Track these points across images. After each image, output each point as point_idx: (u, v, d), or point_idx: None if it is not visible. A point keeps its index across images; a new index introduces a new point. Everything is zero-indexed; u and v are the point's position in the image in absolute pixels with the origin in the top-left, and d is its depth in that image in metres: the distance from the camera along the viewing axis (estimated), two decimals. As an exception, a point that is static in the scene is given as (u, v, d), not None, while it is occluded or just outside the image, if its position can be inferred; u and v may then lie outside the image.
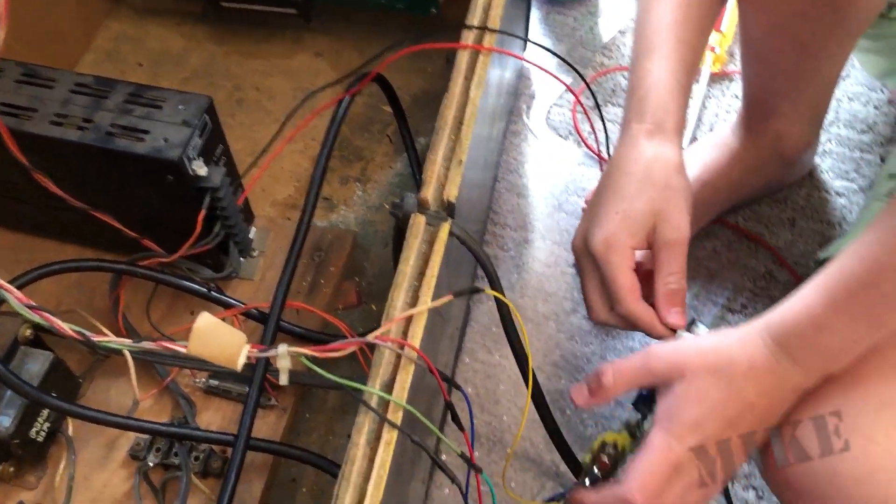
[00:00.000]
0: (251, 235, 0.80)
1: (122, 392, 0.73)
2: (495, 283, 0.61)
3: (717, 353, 0.56)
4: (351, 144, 0.91)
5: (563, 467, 0.72)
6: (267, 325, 0.68)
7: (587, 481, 0.61)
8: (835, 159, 0.93)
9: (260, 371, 0.66)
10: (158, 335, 0.74)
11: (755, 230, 0.88)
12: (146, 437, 0.70)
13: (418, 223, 0.58)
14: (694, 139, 0.95)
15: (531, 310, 0.85)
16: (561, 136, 0.97)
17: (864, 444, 0.52)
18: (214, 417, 0.72)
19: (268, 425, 0.72)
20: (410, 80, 0.96)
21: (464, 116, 0.63)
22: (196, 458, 0.69)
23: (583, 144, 0.96)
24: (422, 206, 0.59)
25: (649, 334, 0.63)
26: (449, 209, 0.60)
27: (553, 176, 0.94)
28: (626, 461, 0.60)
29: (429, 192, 0.59)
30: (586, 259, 0.63)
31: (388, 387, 0.52)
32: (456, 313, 0.80)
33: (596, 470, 0.61)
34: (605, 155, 0.94)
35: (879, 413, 0.52)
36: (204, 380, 0.73)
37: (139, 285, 0.76)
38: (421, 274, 0.57)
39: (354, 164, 0.90)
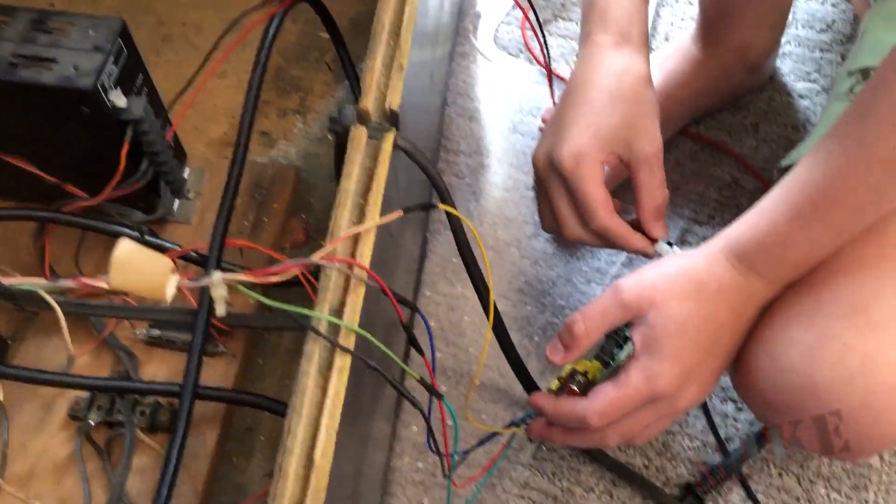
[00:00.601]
0: (185, 176, 0.75)
1: (56, 351, 0.67)
2: (447, 199, 0.56)
3: (685, 277, 0.53)
4: (287, 75, 0.85)
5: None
6: (207, 268, 0.63)
7: None
8: (795, 61, 0.89)
9: (203, 313, 0.61)
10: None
11: (718, 138, 0.85)
12: (85, 395, 0.64)
13: (359, 136, 0.53)
14: (649, 49, 0.90)
15: (492, 237, 0.81)
16: (511, 54, 0.92)
17: (839, 349, 0.49)
18: (159, 370, 0.67)
19: (217, 373, 0.67)
20: (346, 3, 0.90)
21: (402, 19, 0.58)
22: (142, 414, 0.64)
23: (535, 62, 0.91)
24: (362, 118, 0.54)
25: (625, 248, 0.60)
26: (392, 119, 0.55)
27: (505, 97, 0.89)
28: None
29: (369, 102, 0.54)
30: (553, 176, 0.60)
31: (338, 311, 0.48)
32: (411, 244, 0.76)
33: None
34: (559, 72, 0.89)
35: (852, 317, 0.50)
36: (144, 331, 0.68)
37: (67, 236, 0.70)
38: (366, 191, 0.52)
39: (292, 95, 0.84)
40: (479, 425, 0.63)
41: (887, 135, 0.46)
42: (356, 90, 0.83)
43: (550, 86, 0.78)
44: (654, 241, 0.60)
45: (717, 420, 0.71)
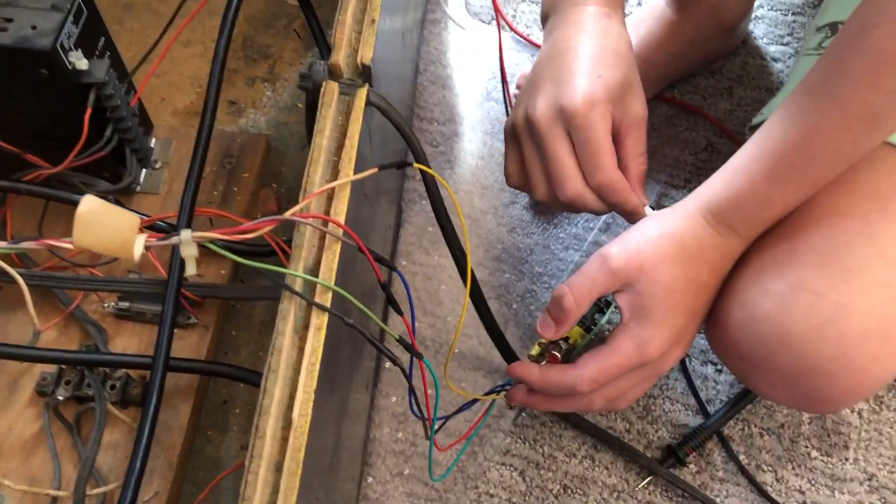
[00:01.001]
0: (152, 145, 0.73)
1: (21, 326, 0.65)
2: (421, 158, 0.55)
3: (670, 239, 0.52)
4: (255, 43, 0.83)
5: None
6: (178, 225, 0.61)
7: None
8: (768, 24, 0.88)
9: (173, 281, 0.59)
10: (56, 260, 0.66)
11: (694, 102, 0.84)
12: (53, 370, 0.62)
13: (331, 91, 0.52)
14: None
15: (468, 205, 0.80)
16: (483, 21, 0.91)
17: (812, 298, 0.49)
18: (130, 343, 0.65)
19: (190, 345, 0.65)
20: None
21: (373, -26, 0.56)
22: (112, 388, 0.62)
23: (507, 28, 0.90)
24: (333, 74, 0.53)
25: (623, 208, 0.58)
26: (364, 74, 0.53)
27: (478, 64, 0.88)
28: (576, 355, 0.57)
29: (340, 57, 0.53)
30: (555, 127, 0.56)
31: (313, 269, 0.46)
32: (386, 213, 0.74)
33: (543, 364, 0.57)
34: (534, 38, 0.88)
35: (824, 266, 0.50)
36: (113, 303, 0.65)
37: (29, 207, 0.68)
38: (339, 147, 0.51)
39: (261, 63, 0.82)
40: (459, 391, 0.62)
41: (863, 90, 0.45)
42: (326, 57, 0.81)
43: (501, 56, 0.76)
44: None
45: (697, 382, 0.70)
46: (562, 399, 0.56)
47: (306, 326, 0.45)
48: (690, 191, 0.79)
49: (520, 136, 0.59)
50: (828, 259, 0.50)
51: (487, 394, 0.62)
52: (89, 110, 0.60)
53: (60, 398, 0.61)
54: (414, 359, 0.52)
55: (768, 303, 0.50)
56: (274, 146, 0.77)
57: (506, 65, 0.87)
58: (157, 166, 0.73)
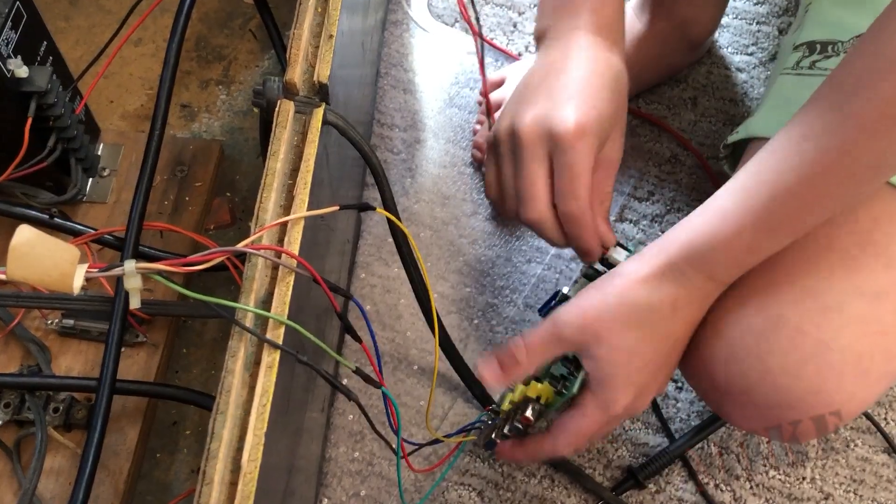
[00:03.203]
0: (98, 152, 0.69)
1: (-43, 343, 0.62)
2: (384, 186, 0.53)
3: (630, 305, 0.50)
4: (209, 44, 0.80)
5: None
6: (124, 252, 0.59)
7: (506, 430, 0.56)
8: (733, 33, 0.88)
9: (119, 302, 0.56)
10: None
11: (657, 113, 0.83)
12: (-9, 392, 0.59)
13: (286, 110, 0.49)
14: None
15: (428, 216, 0.78)
16: (446, 23, 0.89)
17: (792, 334, 0.48)
18: (75, 362, 0.63)
19: (138, 365, 0.63)
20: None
21: (331, -15, 0.54)
22: (55, 411, 0.59)
23: (470, 32, 0.88)
24: (289, 91, 0.50)
25: (581, 244, 0.56)
26: (321, 93, 0.51)
27: (441, 68, 0.86)
28: (549, 414, 0.56)
29: (296, 74, 0.50)
30: (539, 145, 0.54)
31: (266, 302, 0.44)
32: (344, 225, 0.72)
33: (517, 423, 0.55)
34: (497, 43, 0.86)
35: (804, 301, 0.49)
36: (57, 320, 0.63)
37: (-34, 218, 0.65)
38: (294, 170, 0.49)
39: (214, 65, 0.79)
40: (437, 435, 0.60)
41: (871, 139, 0.42)
42: (283, 60, 0.79)
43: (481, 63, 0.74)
44: (605, 250, 0.58)
45: (658, 400, 0.70)
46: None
47: (258, 363, 0.43)
48: (654, 203, 0.79)
49: (500, 147, 0.57)
50: (808, 294, 0.49)
51: (459, 433, 0.60)
52: (30, 120, 0.57)
53: (-1, 422, 0.59)
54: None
55: (749, 338, 0.49)
56: (228, 153, 0.75)
57: (469, 70, 0.86)
58: (105, 174, 0.69)
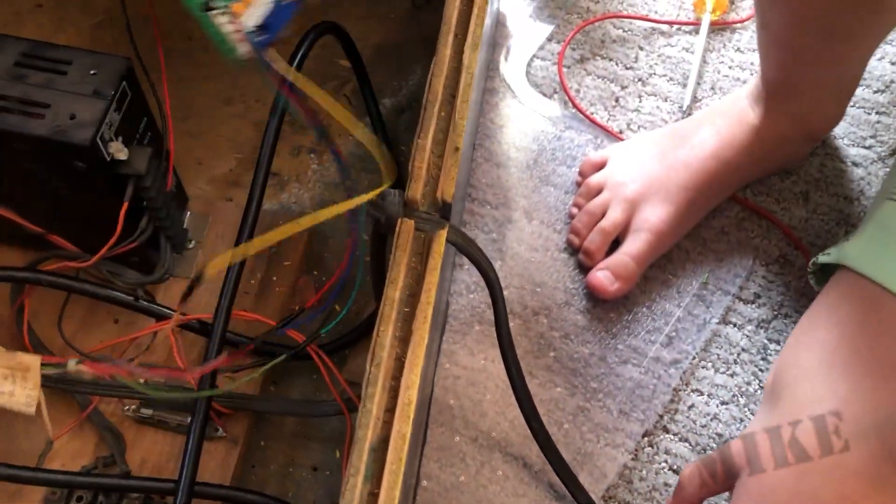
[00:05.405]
0: (185, 224, 0.66)
1: (30, 426, 0.59)
2: (500, 309, 0.49)
3: None
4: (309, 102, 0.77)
5: (564, 489, 0.63)
6: (210, 342, 0.56)
7: None
8: (849, 123, 0.82)
9: (202, 404, 0.53)
10: (73, 352, 0.60)
11: (766, 205, 0.78)
12: (63, 483, 0.56)
13: (407, 230, 0.46)
14: (695, 99, 0.83)
15: (518, 303, 0.74)
16: (545, 94, 0.85)
17: None
18: (150, 453, 0.59)
19: (216, 461, 0.59)
20: (369, 27, 0.81)
21: (457, 88, 0.50)
22: (128, 506, 0.56)
23: (570, 104, 0.83)
24: (409, 208, 0.47)
25: None
26: (444, 210, 0.48)
27: (537, 142, 0.82)
28: None
29: (418, 190, 0.47)
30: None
31: (379, 451, 0.40)
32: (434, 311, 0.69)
33: None
34: (598, 118, 0.82)
35: None
36: (134, 407, 0.60)
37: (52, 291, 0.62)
38: (412, 296, 0.45)
39: (307, 130, 0.76)
40: None
41: None
42: (378, 130, 0.75)
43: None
44: None
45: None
46: None
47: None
48: (760, 307, 0.74)
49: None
50: None
51: None
52: (126, 205, 0.54)
53: (71, 517, 0.56)
54: None
55: None
56: (317, 227, 0.71)
57: (567, 146, 0.81)
58: (191, 246, 0.66)
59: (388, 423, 0.41)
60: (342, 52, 0.79)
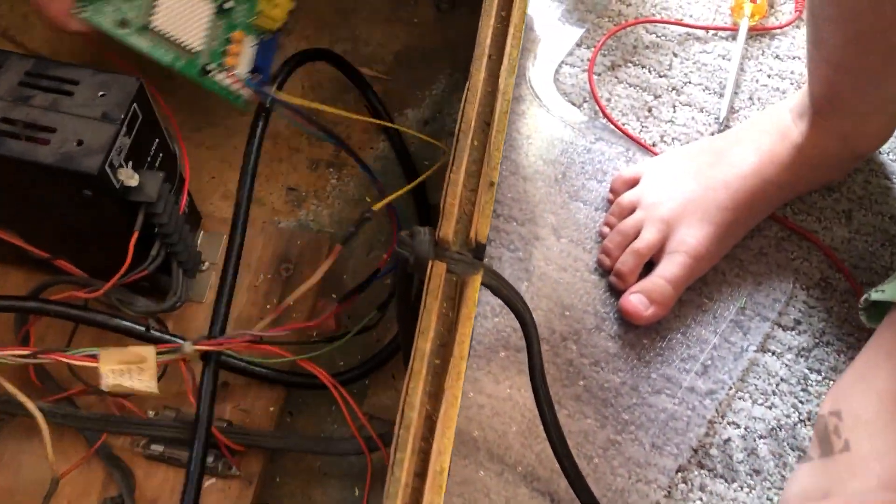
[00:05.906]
0: (198, 245, 0.63)
1: (36, 461, 0.56)
2: (535, 350, 0.46)
3: None
4: (320, 119, 0.73)
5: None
6: (205, 369, 0.53)
7: None
8: (895, 137, 0.78)
9: (201, 436, 0.50)
10: (79, 383, 0.57)
11: (806, 224, 0.74)
12: (70, 523, 0.54)
13: (438, 274, 0.42)
14: (731, 109, 0.79)
15: (545, 327, 0.70)
16: (574, 103, 0.81)
17: None
18: (161, 491, 0.56)
19: (230, 500, 0.56)
20: (392, 33, 0.78)
21: (492, 115, 0.47)
22: (137, 549, 0.54)
23: (601, 114, 0.79)
24: (440, 248, 0.43)
25: None
26: (477, 251, 0.44)
27: (566, 155, 0.78)
28: None
29: (450, 229, 0.43)
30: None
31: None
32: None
33: None
34: (630, 130, 0.78)
35: None
36: (144, 442, 0.57)
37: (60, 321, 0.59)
38: (443, 346, 0.42)
39: (326, 143, 0.72)
40: None
41: None
42: (397, 147, 0.72)
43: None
44: None
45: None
46: None
47: None
48: (800, 334, 0.70)
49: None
50: None
51: None
52: (136, 234, 0.51)
53: (77, 561, 0.53)
54: None
55: None
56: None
57: (595, 159, 0.78)
58: (204, 268, 0.63)
59: (417, 491, 0.38)
60: (362, 60, 0.76)
